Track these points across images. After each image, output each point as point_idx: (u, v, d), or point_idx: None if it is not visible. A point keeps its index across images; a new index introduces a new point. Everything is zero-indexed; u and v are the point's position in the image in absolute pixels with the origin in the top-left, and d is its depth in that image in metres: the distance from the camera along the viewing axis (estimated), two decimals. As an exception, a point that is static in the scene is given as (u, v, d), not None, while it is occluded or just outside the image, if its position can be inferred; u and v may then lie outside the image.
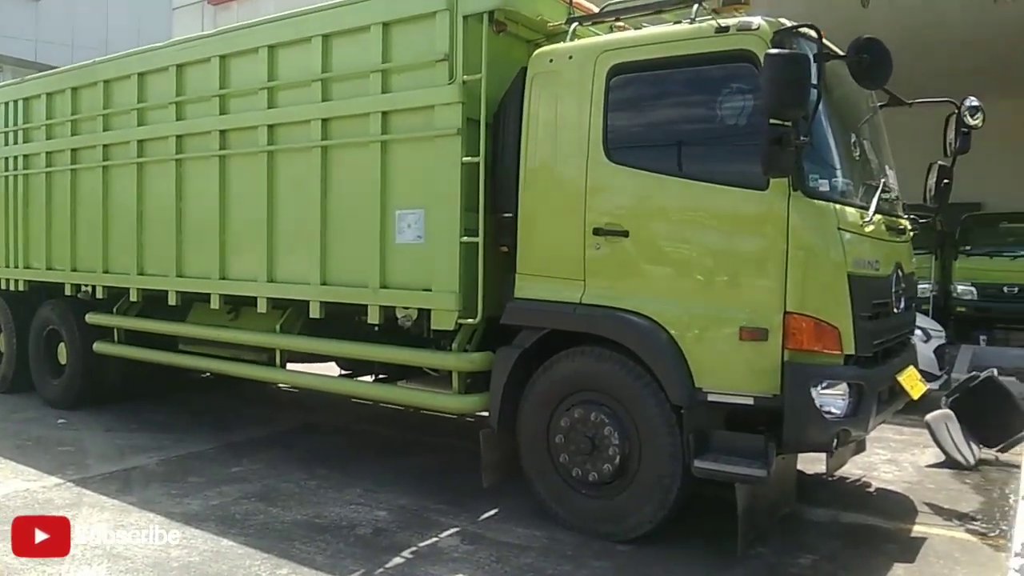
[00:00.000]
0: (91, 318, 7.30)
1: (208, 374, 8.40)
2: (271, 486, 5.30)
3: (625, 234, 4.32)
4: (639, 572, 4.03)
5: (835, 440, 3.94)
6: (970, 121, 4.96)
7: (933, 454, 6.23)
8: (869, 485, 5.62)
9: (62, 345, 7.67)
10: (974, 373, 6.37)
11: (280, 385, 8.59)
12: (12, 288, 8.11)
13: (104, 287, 7.09)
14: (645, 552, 4.21)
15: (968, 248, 12.61)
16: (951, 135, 5.10)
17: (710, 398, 4.07)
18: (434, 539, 4.41)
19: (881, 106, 5.24)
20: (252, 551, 4.16)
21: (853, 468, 5.73)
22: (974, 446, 6.07)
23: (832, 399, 3.92)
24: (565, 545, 4.30)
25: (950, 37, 10.62)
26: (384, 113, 5.14)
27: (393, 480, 5.44)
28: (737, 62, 4.08)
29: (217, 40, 6.27)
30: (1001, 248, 12.57)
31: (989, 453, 6.13)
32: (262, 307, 5.84)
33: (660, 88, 4.41)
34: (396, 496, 5.11)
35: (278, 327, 5.89)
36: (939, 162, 5.29)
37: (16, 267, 7.99)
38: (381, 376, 6.06)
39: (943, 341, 8.76)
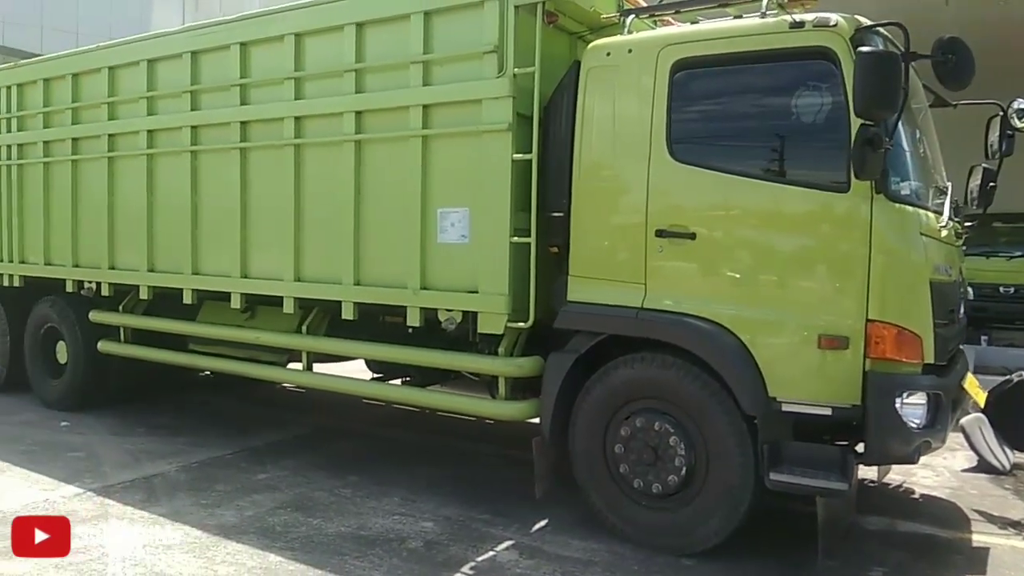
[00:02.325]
0: (95, 316, 6.97)
1: (207, 373, 8.12)
2: (304, 495, 5.06)
3: (692, 236, 4.15)
4: (711, 588, 3.89)
5: (917, 452, 3.82)
6: (1017, 123, 4.85)
7: (965, 457, 6.19)
8: (912, 491, 5.55)
9: (61, 344, 7.34)
10: (1008, 377, 6.32)
11: (285, 385, 8.31)
12: (7, 284, 7.72)
13: (110, 284, 6.77)
14: (713, 566, 4.06)
15: (965, 248, 12.67)
16: (993, 137, 5.00)
17: (784, 408, 3.93)
18: (491, 553, 4.22)
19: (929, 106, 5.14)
20: (304, 567, 3.94)
21: (892, 474, 5.64)
22: (1008, 450, 6.03)
23: (914, 409, 3.80)
24: (629, 560, 4.14)
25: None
26: (425, 107, 4.92)
27: (429, 488, 5.23)
28: (814, 59, 3.93)
29: (237, 26, 5.95)
30: (996, 249, 12.66)
31: (1021, 457, 6.10)
32: (288, 308, 5.57)
33: (729, 84, 4.23)
34: (437, 505, 4.90)
35: (304, 328, 5.64)
36: (983, 165, 5.20)
37: (11, 262, 7.61)
38: (407, 380, 5.87)
39: (956, 342, 8.75)
